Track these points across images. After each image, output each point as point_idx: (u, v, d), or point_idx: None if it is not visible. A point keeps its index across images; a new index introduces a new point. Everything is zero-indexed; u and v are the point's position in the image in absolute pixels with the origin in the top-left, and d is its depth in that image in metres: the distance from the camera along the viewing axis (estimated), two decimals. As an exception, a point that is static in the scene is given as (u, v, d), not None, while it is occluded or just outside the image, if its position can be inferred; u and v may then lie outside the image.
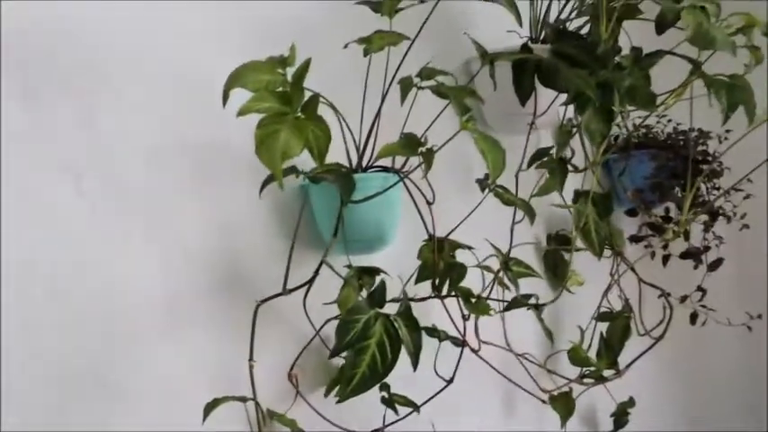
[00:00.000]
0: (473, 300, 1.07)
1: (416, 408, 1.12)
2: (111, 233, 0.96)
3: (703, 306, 1.68)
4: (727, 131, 1.60)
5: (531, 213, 1.15)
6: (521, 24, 0.99)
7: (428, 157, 0.98)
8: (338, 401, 0.95)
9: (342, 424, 1.10)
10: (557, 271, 1.54)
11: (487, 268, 1.22)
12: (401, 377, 1.01)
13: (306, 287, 1.07)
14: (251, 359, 0.99)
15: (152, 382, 0.98)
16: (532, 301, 1.23)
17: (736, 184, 1.55)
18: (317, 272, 1.07)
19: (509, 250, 1.30)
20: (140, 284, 0.98)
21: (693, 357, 1.94)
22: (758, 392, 2.07)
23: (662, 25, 1.11)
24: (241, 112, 0.85)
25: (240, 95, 0.91)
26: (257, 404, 0.98)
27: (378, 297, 0.94)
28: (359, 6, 1.11)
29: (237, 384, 1.01)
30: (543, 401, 1.38)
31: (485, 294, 1.23)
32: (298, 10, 1.19)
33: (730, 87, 1.16)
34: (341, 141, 1.09)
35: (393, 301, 1.06)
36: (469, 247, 1.14)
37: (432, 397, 1.16)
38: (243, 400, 0.96)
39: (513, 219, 1.30)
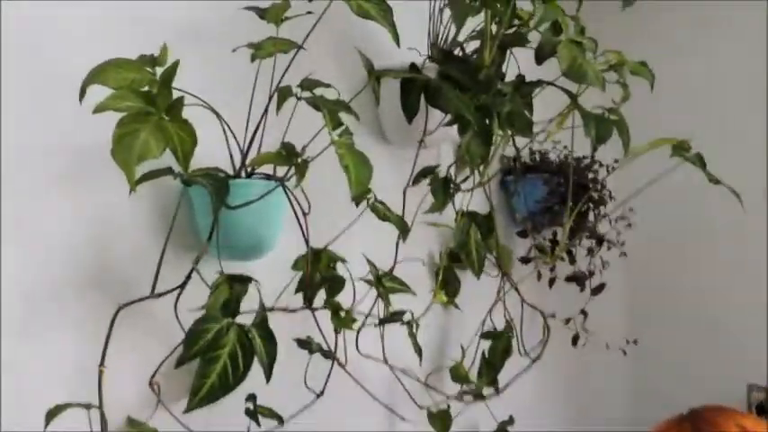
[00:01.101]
0: (341, 313, 1.07)
1: (281, 420, 1.10)
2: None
3: (585, 329, 1.75)
4: (616, 161, 1.68)
5: (404, 230, 1.16)
6: (399, 45, 1.01)
7: (301, 168, 0.98)
8: (185, 411, 0.93)
9: (207, 434, 1.08)
10: (447, 287, 1.56)
11: (370, 282, 1.23)
12: (277, 389, 1.01)
13: (176, 292, 1.05)
14: (101, 364, 0.96)
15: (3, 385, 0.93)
16: (407, 316, 1.24)
17: (613, 210, 1.63)
18: (188, 277, 1.05)
19: (393, 266, 1.32)
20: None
21: (576, 378, 2.00)
22: (638, 411, 2.16)
23: (540, 57, 1.16)
24: (97, 110, 0.83)
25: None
26: (102, 412, 0.95)
27: (233, 306, 0.92)
28: (254, 14, 1.11)
29: (103, 387, 0.98)
30: (403, 418, 1.38)
31: (366, 309, 1.24)
32: (190, 13, 1.17)
33: (600, 120, 1.21)
34: (224, 146, 1.08)
35: (270, 310, 1.06)
36: (343, 260, 1.14)
37: (300, 410, 1.15)
38: (87, 406, 0.93)
39: (399, 235, 1.32)
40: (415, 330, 1.26)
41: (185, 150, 0.89)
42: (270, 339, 0.91)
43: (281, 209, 1.11)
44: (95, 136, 0.97)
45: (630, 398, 2.17)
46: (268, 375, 0.92)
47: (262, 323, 0.91)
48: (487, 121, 1.17)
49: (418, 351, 1.25)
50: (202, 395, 0.88)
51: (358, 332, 1.25)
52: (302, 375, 1.20)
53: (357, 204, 1.00)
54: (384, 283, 1.15)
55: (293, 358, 1.19)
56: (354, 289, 1.18)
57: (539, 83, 1.23)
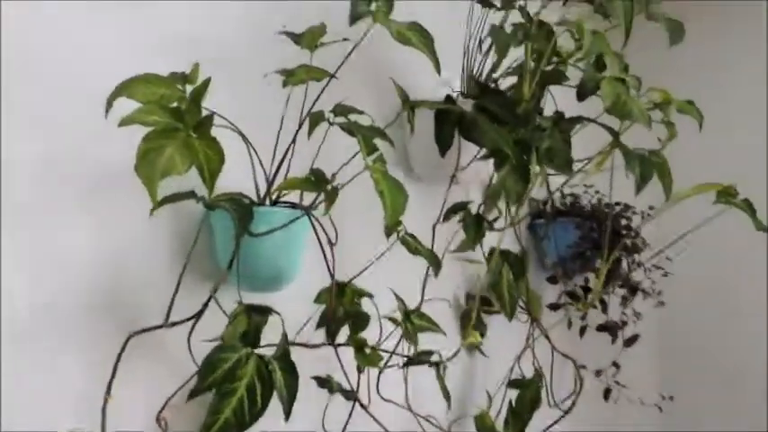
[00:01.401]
0: (366, 350, 1.00)
1: (295, 464, 1.03)
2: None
3: (617, 382, 1.65)
4: (651, 208, 1.62)
5: (436, 265, 1.10)
6: (439, 72, 0.98)
7: (331, 195, 0.93)
8: (195, 449, 0.86)
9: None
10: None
11: (395, 320, 1.17)
12: (291, 429, 0.94)
13: (191, 321, 0.99)
14: (108, 393, 0.90)
15: (10, 407, 0.88)
16: (435, 357, 1.17)
17: (650, 258, 1.55)
18: (205, 306, 1.00)
19: (420, 303, 1.26)
20: (3, 299, 0.89)
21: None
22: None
23: (583, 93, 1.12)
24: (123, 123, 0.80)
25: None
26: (104, 445, 0.88)
27: (252, 337, 0.86)
28: (288, 40, 1.09)
29: (108, 417, 0.92)
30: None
31: (390, 348, 1.17)
32: (223, 36, 1.15)
33: (644, 160, 1.16)
34: (249, 171, 1.04)
35: (291, 344, 0.99)
36: (370, 295, 1.08)
37: (317, 453, 1.08)
38: (90, 438, 0.86)
39: (427, 272, 1.26)
40: (442, 373, 1.18)
41: (212, 169, 0.85)
42: (291, 373, 0.84)
43: (303, 239, 1.06)
44: (118, 152, 0.94)
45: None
46: (288, 411, 0.86)
47: (283, 355, 0.85)
48: (525, 157, 1.12)
49: (447, 396, 1.17)
50: (215, 432, 0.82)
51: (380, 373, 1.18)
52: (319, 416, 1.13)
53: (389, 234, 0.95)
54: (412, 320, 1.08)
55: (311, 397, 1.12)
56: (381, 326, 1.11)
57: (579, 119, 1.19)
